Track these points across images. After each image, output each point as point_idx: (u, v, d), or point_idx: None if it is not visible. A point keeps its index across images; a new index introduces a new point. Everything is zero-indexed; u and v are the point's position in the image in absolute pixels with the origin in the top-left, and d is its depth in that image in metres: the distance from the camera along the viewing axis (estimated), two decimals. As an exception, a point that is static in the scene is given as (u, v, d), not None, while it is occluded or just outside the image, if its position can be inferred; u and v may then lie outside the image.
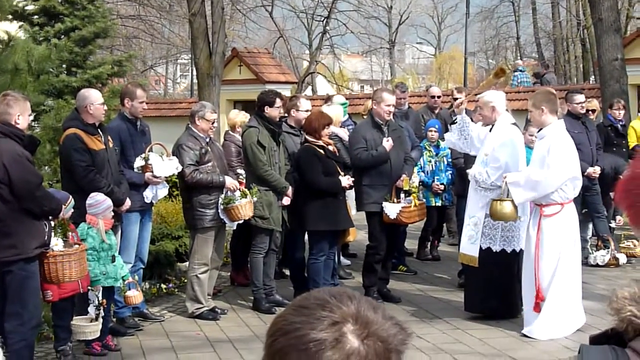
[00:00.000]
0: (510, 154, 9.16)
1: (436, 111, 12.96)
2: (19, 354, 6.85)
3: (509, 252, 9.20)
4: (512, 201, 8.70)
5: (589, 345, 1.93)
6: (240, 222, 9.44)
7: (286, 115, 10.52)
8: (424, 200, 10.70)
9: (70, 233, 7.56)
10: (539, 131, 8.95)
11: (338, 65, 44.35)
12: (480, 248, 9.19)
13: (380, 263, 10.08)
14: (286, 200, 9.73)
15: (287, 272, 11.03)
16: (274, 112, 9.72)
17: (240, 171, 10.42)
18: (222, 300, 10.22)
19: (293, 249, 10.57)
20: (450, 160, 11.74)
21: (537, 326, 8.64)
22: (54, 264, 7.25)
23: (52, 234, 7.24)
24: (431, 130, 11.94)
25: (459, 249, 9.67)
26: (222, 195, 9.18)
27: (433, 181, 11.85)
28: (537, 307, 8.67)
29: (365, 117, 11.30)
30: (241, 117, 11.38)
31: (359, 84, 63.38)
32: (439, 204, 11.98)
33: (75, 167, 8.28)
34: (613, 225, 12.41)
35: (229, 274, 11.42)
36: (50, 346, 7.99)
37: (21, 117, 6.95)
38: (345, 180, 9.66)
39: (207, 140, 9.37)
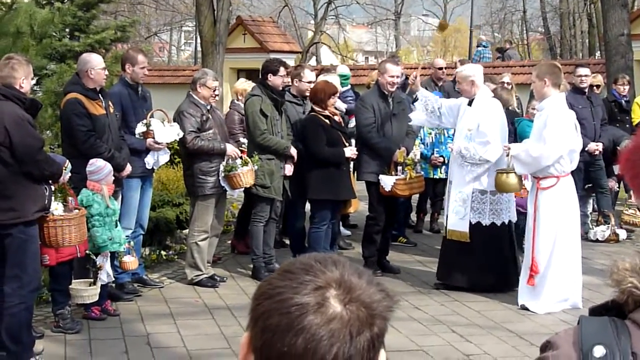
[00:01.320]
0: (496, 129, 9.14)
1: (440, 83, 12.92)
2: (18, 316, 6.86)
3: (498, 225, 9.23)
4: (515, 172, 8.76)
5: (589, 317, 1.93)
6: (241, 190, 9.45)
7: (289, 84, 10.49)
8: (422, 172, 10.67)
9: (69, 198, 7.56)
10: (539, 102, 8.93)
11: (343, 35, 44.21)
12: (470, 223, 9.20)
13: (380, 234, 10.08)
14: (288, 170, 9.73)
15: (287, 242, 11.04)
16: (277, 80, 9.67)
17: (243, 139, 10.41)
18: (222, 268, 10.24)
19: (293, 219, 10.58)
20: (450, 133, 11.69)
21: (532, 299, 8.66)
22: (54, 228, 7.25)
23: (52, 198, 7.24)
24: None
25: (445, 227, 9.56)
26: (224, 163, 9.18)
27: (432, 153, 11.83)
28: (531, 280, 8.68)
29: (369, 88, 11.27)
30: (245, 85, 11.35)
31: (364, 55, 63.21)
32: (437, 176, 11.96)
33: (75, 131, 8.27)
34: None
35: (229, 242, 11.44)
36: (49, 309, 8.02)
37: (25, 80, 6.92)
38: (349, 151, 9.65)
39: (208, 107, 9.34)
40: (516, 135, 11.18)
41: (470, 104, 9.31)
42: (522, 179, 9.04)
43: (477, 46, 26.04)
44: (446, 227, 9.49)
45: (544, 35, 40.29)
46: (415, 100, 9.79)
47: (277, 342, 1.50)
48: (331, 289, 1.53)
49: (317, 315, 1.49)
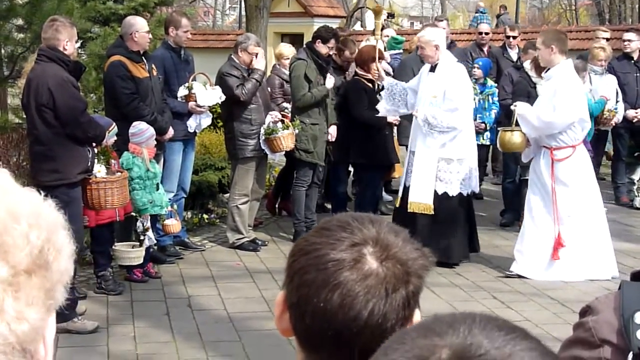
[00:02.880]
0: (464, 94, 8.90)
1: (485, 48, 12.78)
2: (61, 277, 6.93)
3: (464, 195, 9.00)
4: (521, 130, 8.56)
5: (630, 282, 1.89)
6: (282, 153, 9.46)
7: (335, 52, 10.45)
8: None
9: (112, 160, 7.60)
10: (546, 71, 8.70)
11: (388, 0, 43.86)
12: (436, 193, 8.86)
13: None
14: (331, 136, 9.72)
15: (329, 206, 11.04)
16: (323, 49, 9.65)
17: (285, 104, 10.39)
18: (263, 231, 10.26)
19: (336, 183, 10.57)
20: (495, 99, 11.58)
21: (556, 269, 8.55)
22: (97, 191, 7.31)
23: (95, 160, 7.28)
24: (474, 67, 11.78)
25: (402, 199, 9.06)
26: (264, 126, 9.17)
27: (475, 119, 11.71)
28: (556, 254, 8.53)
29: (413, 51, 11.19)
30: (286, 49, 11.31)
31: (409, 20, 62.72)
32: (479, 142, 11.85)
33: (119, 94, 8.30)
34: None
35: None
36: (92, 271, 8.10)
37: (69, 43, 6.94)
38: (391, 117, 9.61)
39: (248, 71, 9.32)
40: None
41: (433, 69, 8.97)
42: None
43: (475, 12, 25.81)
44: (405, 199, 8.96)
45: (593, 1, 39.66)
46: (380, 91, 9.49)
47: (313, 297, 1.51)
48: (368, 246, 1.53)
49: (353, 272, 1.50)
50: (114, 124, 7.74)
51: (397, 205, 9.13)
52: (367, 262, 1.51)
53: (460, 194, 8.92)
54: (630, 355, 1.70)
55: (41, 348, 1.31)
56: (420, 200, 8.82)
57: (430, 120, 8.75)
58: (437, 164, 8.80)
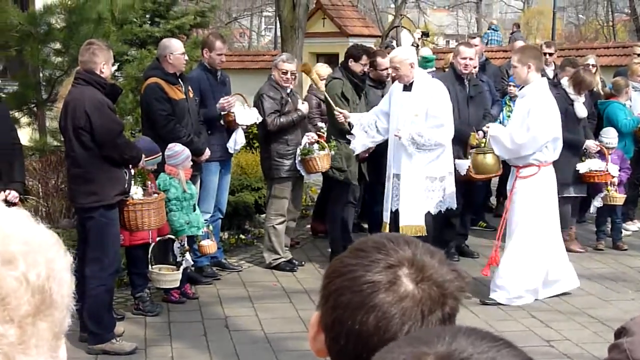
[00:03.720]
0: (448, 110, 8.72)
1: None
2: (99, 299, 6.97)
3: (442, 211, 8.89)
4: (494, 152, 8.42)
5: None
6: (317, 174, 9.46)
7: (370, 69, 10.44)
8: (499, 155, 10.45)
9: (149, 182, 7.65)
10: (520, 89, 8.48)
11: (423, 19, 43.88)
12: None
13: (458, 218, 9.97)
14: (363, 154, 9.70)
15: (366, 226, 11.01)
16: (357, 67, 9.63)
17: (321, 124, 10.39)
18: (300, 252, 10.25)
19: (372, 202, 10.54)
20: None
21: (501, 289, 8.35)
22: (134, 212, 7.34)
23: (132, 182, 7.33)
24: (510, 85, 11.71)
25: (390, 223, 8.83)
26: (300, 147, 9.18)
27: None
28: (486, 270, 8.43)
29: (446, 70, 11.14)
30: (323, 70, 11.32)
31: (445, 38, 62.68)
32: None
33: (156, 116, 8.36)
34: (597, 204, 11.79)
35: (308, 226, 11.45)
36: (129, 292, 8.14)
37: (105, 66, 6.99)
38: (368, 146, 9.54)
39: (288, 91, 9.35)
40: (601, 118, 10.94)
41: (407, 88, 8.74)
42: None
43: (488, 29, 25.82)
44: (392, 224, 8.74)
45: (630, 17, 39.39)
46: (350, 133, 9.24)
47: (348, 319, 1.50)
48: (403, 268, 1.52)
49: (389, 294, 1.49)
50: (160, 153, 7.81)
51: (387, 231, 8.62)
52: (403, 284, 1.50)
53: (439, 211, 8.84)
54: (665, 377, 1.68)
55: None
56: (413, 222, 8.61)
57: (417, 139, 8.54)
58: (425, 184, 8.68)
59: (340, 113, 9.17)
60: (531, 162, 8.23)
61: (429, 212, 8.71)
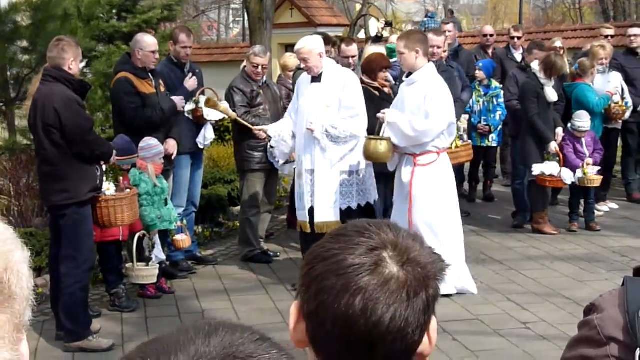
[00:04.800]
0: (361, 100, 8.28)
1: (489, 50, 12.76)
2: (74, 296, 6.94)
3: (363, 206, 8.35)
4: (389, 140, 7.92)
5: (634, 277, 1.87)
6: (292, 165, 9.43)
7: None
8: (470, 141, 10.44)
9: (121, 178, 7.62)
10: (408, 75, 8.10)
11: (391, 7, 43.87)
12: (340, 209, 8.25)
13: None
14: None
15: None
16: None
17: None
18: (275, 243, 10.25)
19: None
20: (500, 100, 11.55)
21: None
22: (106, 209, 7.30)
23: (104, 178, 7.29)
24: (476, 69, 11.75)
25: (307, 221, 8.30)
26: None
27: (480, 122, 11.70)
28: None
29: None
30: (291, 60, 11.31)
31: (413, 26, 62.69)
32: (484, 144, 11.84)
33: (125, 109, 8.33)
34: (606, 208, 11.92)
35: (283, 216, 11.44)
36: (105, 289, 8.11)
37: (74, 62, 6.94)
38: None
39: (261, 83, 9.33)
40: (569, 101, 11.00)
41: (316, 79, 8.28)
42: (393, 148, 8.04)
43: (425, 17, 25.85)
44: (309, 222, 8.27)
45: (597, 1, 39.59)
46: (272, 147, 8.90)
47: (333, 303, 1.49)
48: (387, 250, 1.51)
49: (375, 276, 1.48)
50: (137, 155, 7.80)
51: (302, 230, 8.42)
52: (388, 266, 1.49)
53: (359, 205, 8.32)
54: (638, 352, 1.69)
55: None
56: (327, 219, 8.17)
57: (331, 131, 8.12)
58: (340, 178, 8.25)
59: (260, 130, 8.82)
60: (429, 149, 7.98)
61: (348, 207, 8.26)
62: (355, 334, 1.46)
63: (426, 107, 7.83)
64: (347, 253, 1.51)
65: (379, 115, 8.05)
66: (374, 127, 8.38)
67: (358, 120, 8.18)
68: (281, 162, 8.95)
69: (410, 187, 7.97)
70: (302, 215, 8.33)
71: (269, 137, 8.69)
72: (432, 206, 7.94)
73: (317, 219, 8.19)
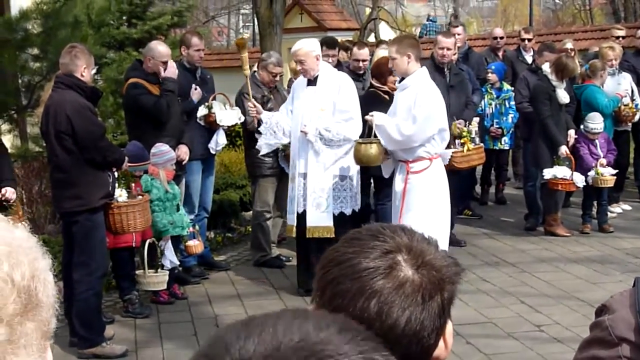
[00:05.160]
0: (356, 103, 8.21)
1: (500, 53, 12.74)
2: (87, 303, 6.96)
3: (357, 211, 8.33)
4: (379, 142, 7.79)
5: (646, 278, 1.87)
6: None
7: (349, 61, 10.43)
8: (482, 144, 10.38)
9: (133, 184, 7.63)
10: (401, 81, 7.94)
11: (401, 10, 43.87)
12: (333, 215, 8.18)
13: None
14: None
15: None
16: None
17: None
18: (287, 247, 10.23)
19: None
20: (512, 103, 11.53)
21: None
22: (119, 215, 7.31)
23: (116, 185, 7.31)
24: (488, 72, 11.74)
25: (297, 226, 8.27)
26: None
27: (492, 125, 11.68)
28: None
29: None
30: (301, 64, 11.30)
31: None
32: (497, 147, 11.81)
33: (143, 105, 8.21)
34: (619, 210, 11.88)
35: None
36: (118, 295, 8.11)
37: (86, 70, 6.96)
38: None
39: (271, 88, 9.34)
40: (579, 103, 10.98)
41: (312, 82, 8.25)
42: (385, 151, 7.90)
43: (427, 20, 25.77)
44: (301, 226, 8.23)
45: (608, 1, 39.49)
46: (259, 132, 8.74)
47: (348, 307, 1.48)
48: (402, 253, 1.52)
49: (389, 279, 1.48)
50: (149, 161, 7.79)
51: (294, 235, 8.41)
52: (402, 270, 1.49)
53: (353, 211, 8.29)
54: (649, 352, 1.68)
55: None
56: (319, 223, 8.14)
57: (324, 134, 8.08)
58: (333, 182, 8.20)
59: (254, 107, 8.68)
60: (422, 155, 7.81)
61: (341, 212, 8.21)
62: None
63: (415, 112, 7.68)
64: (361, 257, 1.51)
65: (367, 117, 7.95)
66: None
67: (352, 124, 8.13)
68: (262, 151, 8.77)
69: (403, 194, 7.81)
70: (291, 219, 8.34)
71: (260, 121, 8.60)
72: (424, 213, 7.70)
73: (309, 223, 8.17)
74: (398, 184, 7.91)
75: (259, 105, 8.74)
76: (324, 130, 8.08)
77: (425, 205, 7.73)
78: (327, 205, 8.18)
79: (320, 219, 8.16)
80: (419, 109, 7.66)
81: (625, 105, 11.12)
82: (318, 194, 8.18)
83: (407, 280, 1.49)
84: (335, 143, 8.13)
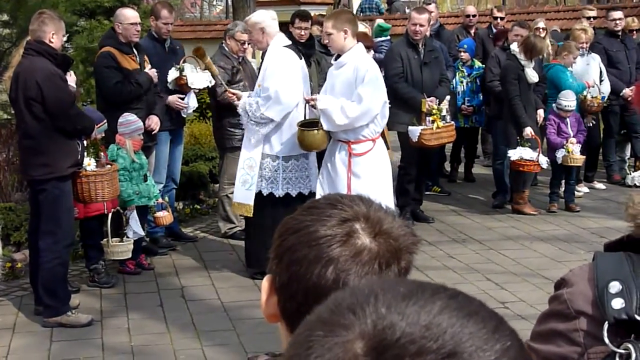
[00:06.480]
0: (282, 82, 7.77)
1: (472, 30, 12.76)
2: (53, 271, 6.93)
3: (293, 196, 7.96)
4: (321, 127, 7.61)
5: (604, 253, 1.89)
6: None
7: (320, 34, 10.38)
8: (453, 122, 10.29)
9: (101, 153, 7.59)
10: (337, 57, 7.68)
11: (375, -14, 43.71)
12: (262, 194, 7.97)
13: (413, 184, 10.03)
14: None
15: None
16: (294, 31, 9.35)
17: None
18: (256, 220, 10.25)
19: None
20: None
21: None
22: (87, 184, 7.29)
23: (85, 153, 7.27)
24: (460, 51, 11.75)
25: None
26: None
27: (463, 102, 11.70)
28: None
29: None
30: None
31: (402, 6, 62.55)
32: (467, 125, 11.84)
33: (104, 83, 8.30)
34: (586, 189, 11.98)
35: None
36: (84, 264, 8.09)
37: (55, 35, 6.90)
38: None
39: (240, 59, 9.30)
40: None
41: (263, 57, 8.13)
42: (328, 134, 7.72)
43: None
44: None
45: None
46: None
47: (305, 274, 1.48)
48: (359, 222, 1.51)
49: (346, 247, 1.48)
50: (105, 120, 7.74)
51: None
52: (360, 238, 1.49)
53: (288, 194, 7.97)
54: (606, 325, 1.70)
55: None
56: (242, 200, 8.00)
57: (247, 108, 7.86)
58: (262, 161, 7.96)
59: (233, 94, 8.31)
60: (364, 136, 7.65)
61: (271, 193, 7.98)
62: None
63: (359, 91, 7.43)
64: (319, 224, 1.50)
65: (307, 97, 7.76)
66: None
67: (271, 104, 7.77)
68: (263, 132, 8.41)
69: (349, 179, 7.63)
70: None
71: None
72: (371, 194, 7.56)
73: (234, 199, 8.18)
74: (339, 165, 7.69)
75: (237, 92, 8.48)
76: (248, 104, 7.87)
77: (370, 189, 7.32)
78: (251, 184, 7.96)
79: (241, 196, 8.03)
80: (363, 89, 7.43)
81: (592, 97, 11.15)
82: (245, 170, 8.00)
83: (364, 248, 1.48)
84: (255, 120, 7.85)
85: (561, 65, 10.94)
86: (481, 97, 11.69)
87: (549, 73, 10.93)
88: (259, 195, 7.98)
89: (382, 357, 0.87)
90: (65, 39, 7.57)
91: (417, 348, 0.87)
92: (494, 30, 12.62)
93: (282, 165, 7.96)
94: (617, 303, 1.71)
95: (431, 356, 0.86)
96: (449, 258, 8.69)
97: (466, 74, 11.69)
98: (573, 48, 11.02)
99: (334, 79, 7.69)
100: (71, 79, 7.34)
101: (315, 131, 7.60)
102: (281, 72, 7.83)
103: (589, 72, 11.28)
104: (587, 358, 1.74)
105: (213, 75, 8.82)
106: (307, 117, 7.79)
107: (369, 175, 7.61)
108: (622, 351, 1.67)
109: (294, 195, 7.98)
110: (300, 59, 8.31)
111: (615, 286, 1.74)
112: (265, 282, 1.58)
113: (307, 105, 7.77)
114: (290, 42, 8.26)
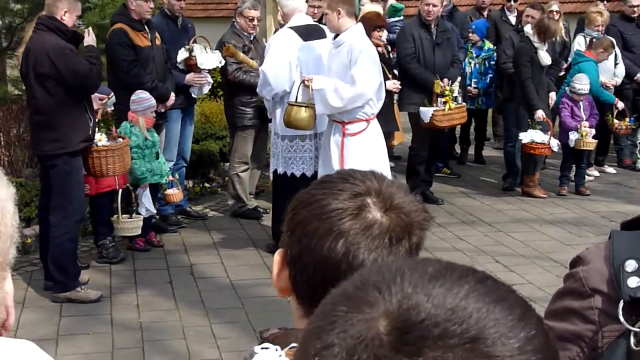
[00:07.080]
0: (268, 63, 7.83)
1: (485, 12, 12.68)
2: (63, 247, 6.95)
3: (297, 176, 7.94)
4: (313, 107, 7.47)
5: (620, 231, 1.87)
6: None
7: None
8: (464, 103, 10.25)
9: (112, 128, 7.60)
10: (335, 37, 7.53)
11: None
12: (276, 172, 8.10)
13: (423, 165, 10.02)
14: None
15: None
16: (308, 9, 9.23)
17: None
18: (265, 199, 10.22)
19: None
20: (492, 63, 11.49)
21: None
22: (98, 159, 7.31)
23: (96, 129, 7.27)
24: (469, 31, 11.68)
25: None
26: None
27: (470, 84, 11.65)
28: None
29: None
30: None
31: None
32: (473, 107, 11.76)
33: (118, 61, 8.30)
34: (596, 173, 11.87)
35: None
36: (93, 241, 8.11)
37: (68, 14, 6.89)
38: (391, 84, 9.48)
39: (251, 38, 9.27)
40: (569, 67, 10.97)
41: None
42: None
43: None
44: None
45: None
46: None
47: (315, 247, 1.50)
48: (371, 196, 1.52)
49: (357, 220, 1.49)
50: (112, 93, 7.73)
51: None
52: (371, 212, 1.50)
53: (285, 174, 8.01)
54: (621, 304, 1.69)
55: (1, 311, 1.26)
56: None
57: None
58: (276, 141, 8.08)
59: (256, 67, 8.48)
60: (359, 116, 7.52)
61: (276, 170, 8.12)
62: (337, 278, 1.45)
63: (353, 73, 7.28)
64: (331, 198, 1.52)
65: (303, 77, 7.64)
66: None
67: (263, 84, 7.89)
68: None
69: (342, 159, 7.50)
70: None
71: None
72: None
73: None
74: (333, 146, 7.59)
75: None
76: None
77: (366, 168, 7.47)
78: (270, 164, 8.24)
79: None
80: (357, 70, 7.29)
81: (619, 122, 11.15)
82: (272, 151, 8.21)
83: (375, 222, 1.49)
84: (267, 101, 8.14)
85: (594, 61, 10.88)
86: (489, 79, 11.63)
87: (581, 65, 10.84)
88: (283, 175, 8.02)
89: (404, 338, 0.85)
90: (77, 20, 7.55)
91: (441, 331, 0.85)
92: (507, 12, 12.55)
93: (280, 144, 7.99)
94: (633, 282, 1.70)
95: (454, 340, 0.84)
96: (458, 240, 8.69)
97: (475, 55, 11.63)
98: (609, 46, 10.96)
99: (331, 60, 7.58)
100: (90, 38, 7.25)
101: (300, 108, 7.51)
102: (271, 54, 7.88)
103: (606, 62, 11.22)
104: (602, 336, 1.73)
105: (252, 68, 8.85)
106: (299, 99, 7.67)
107: (362, 155, 7.44)
108: (637, 329, 1.66)
109: (297, 176, 7.96)
110: (311, 39, 8.15)
111: (631, 264, 1.73)
112: (277, 256, 1.59)
113: (300, 86, 7.65)
114: (305, 22, 8.19)
